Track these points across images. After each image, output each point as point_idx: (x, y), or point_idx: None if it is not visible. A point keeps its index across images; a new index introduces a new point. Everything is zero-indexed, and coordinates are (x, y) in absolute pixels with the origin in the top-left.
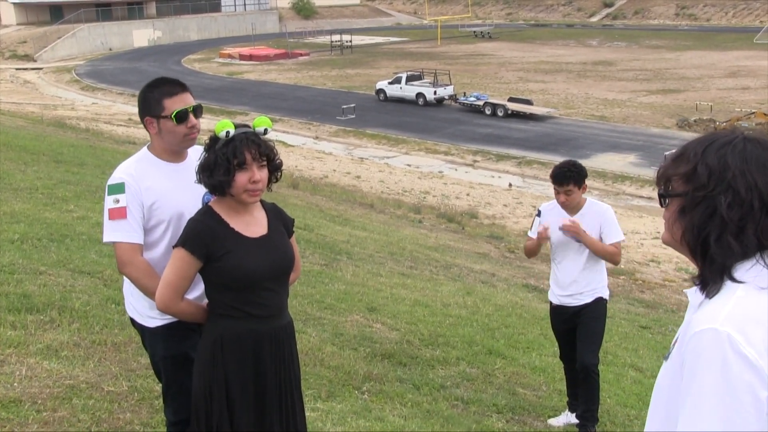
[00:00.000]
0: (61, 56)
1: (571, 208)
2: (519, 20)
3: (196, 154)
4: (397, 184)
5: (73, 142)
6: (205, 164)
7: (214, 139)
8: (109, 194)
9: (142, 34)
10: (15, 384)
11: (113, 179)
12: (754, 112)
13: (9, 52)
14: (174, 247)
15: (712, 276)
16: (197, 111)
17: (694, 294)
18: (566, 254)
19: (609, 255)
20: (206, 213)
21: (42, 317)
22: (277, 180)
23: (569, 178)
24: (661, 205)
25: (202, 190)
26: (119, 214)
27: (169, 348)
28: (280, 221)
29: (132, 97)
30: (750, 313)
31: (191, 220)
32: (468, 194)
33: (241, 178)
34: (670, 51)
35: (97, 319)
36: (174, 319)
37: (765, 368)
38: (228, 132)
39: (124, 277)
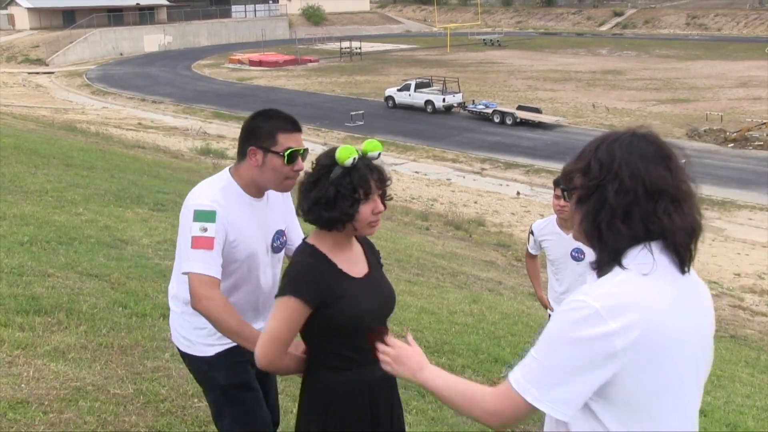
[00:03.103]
0: (72, 60)
1: (566, 219)
2: (528, 28)
3: (273, 193)
4: (404, 191)
5: (83, 145)
6: (323, 197)
7: (325, 167)
8: (195, 220)
9: (152, 39)
10: (22, 385)
11: (202, 205)
12: (765, 123)
13: (22, 57)
14: (278, 296)
15: (605, 260)
16: (305, 155)
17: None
18: (565, 267)
19: None
20: (312, 254)
21: (50, 319)
22: (384, 209)
23: None
24: (565, 200)
25: (272, 229)
26: (206, 244)
27: (232, 377)
28: (374, 255)
29: (142, 101)
30: (624, 296)
31: (298, 264)
32: (476, 202)
33: (365, 210)
34: (680, 60)
35: (104, 322)
36: (233, 344)
37: (617, 344)
38: (355, 159)
39: (171, 310)
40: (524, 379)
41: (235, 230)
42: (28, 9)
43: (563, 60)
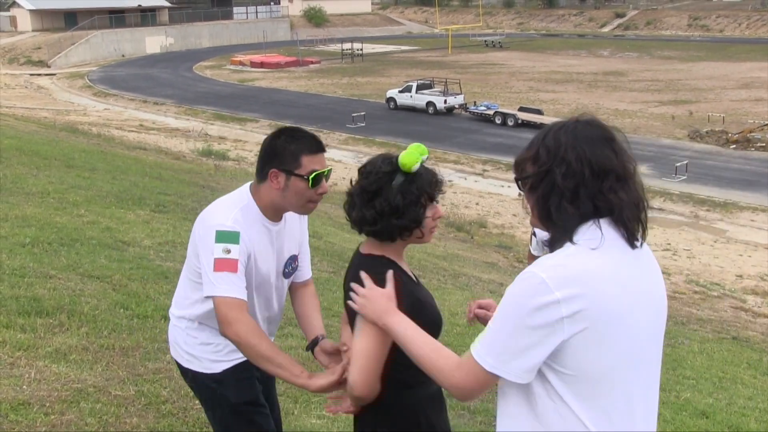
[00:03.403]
0: (74, 62)
1: None
2: (530, 30)
3: (290, 216)
4: None
5: (85, 147)
6: (390, 206)
7: (386, 174)
8: (218, 241)
9: (154, 40)
10: (24, 387)
11: (224, 226)
12: (767, 124)
13: (24, 58)
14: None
15: (558, 238)
16: (329, 176)
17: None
18: None
19: None
20: (387, 263)
21: (51, 321)
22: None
23: None
24: (519, 189)
25: (285, 254)
26: (229, 266)
27: (241, 394)
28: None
29: (143, 103)
30: (570, 268)
31: (380, 275)
32: (477, 203)
33: (429, 215)
34: (682, 62)
35: (106, 324)
36: (240, 360)
37: (563, 313)
38: (420, 165)
39: (172, 324)
40: (483, 351)
41: (253, 254)
42: (30, 11)
43: (565, 61)
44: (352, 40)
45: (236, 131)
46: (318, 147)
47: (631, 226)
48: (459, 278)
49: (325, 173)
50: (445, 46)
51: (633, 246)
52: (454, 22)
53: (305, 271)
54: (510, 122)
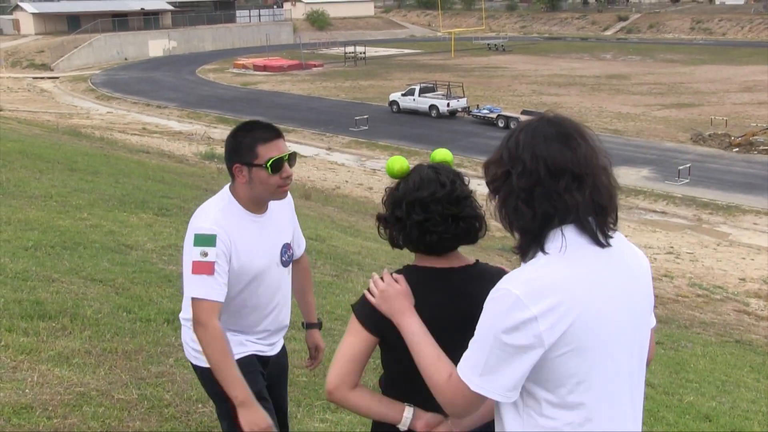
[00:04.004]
0: (77, 65)
1: None
2: (533, 33)
3: (273, 202)
4: None
5: (88, 150)
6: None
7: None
8: (195, 245)
9: (157, 44)
10: (26, 390)
11: (202, 229)
12: None
13: (27, 62)
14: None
15: (526, 245)
16: (292, 159)
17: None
18: None
19: None
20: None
21: (54, 324)
22: None
23: None
24: (491, 192)
25: (279, 243)
26: (206, 269)
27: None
28: None
29: (146, 106)
30: (542, 280)
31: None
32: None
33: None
34: (684, 65)
35: (109, 327)
36: (245, 354)
37: (541, 328)
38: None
39: (182, 326)
40: (467, 370)
41: (240, 251)
42: (33, 14)
43: (567, 65)
44: (355, 43)
45: None
46: (272, 135)
47: (591, 227)
48: None
49: (285, 158)
50: (448, 49)
51: (602, 246)
52: (457, 26)
53: (301, 246)
54: (513, 125)
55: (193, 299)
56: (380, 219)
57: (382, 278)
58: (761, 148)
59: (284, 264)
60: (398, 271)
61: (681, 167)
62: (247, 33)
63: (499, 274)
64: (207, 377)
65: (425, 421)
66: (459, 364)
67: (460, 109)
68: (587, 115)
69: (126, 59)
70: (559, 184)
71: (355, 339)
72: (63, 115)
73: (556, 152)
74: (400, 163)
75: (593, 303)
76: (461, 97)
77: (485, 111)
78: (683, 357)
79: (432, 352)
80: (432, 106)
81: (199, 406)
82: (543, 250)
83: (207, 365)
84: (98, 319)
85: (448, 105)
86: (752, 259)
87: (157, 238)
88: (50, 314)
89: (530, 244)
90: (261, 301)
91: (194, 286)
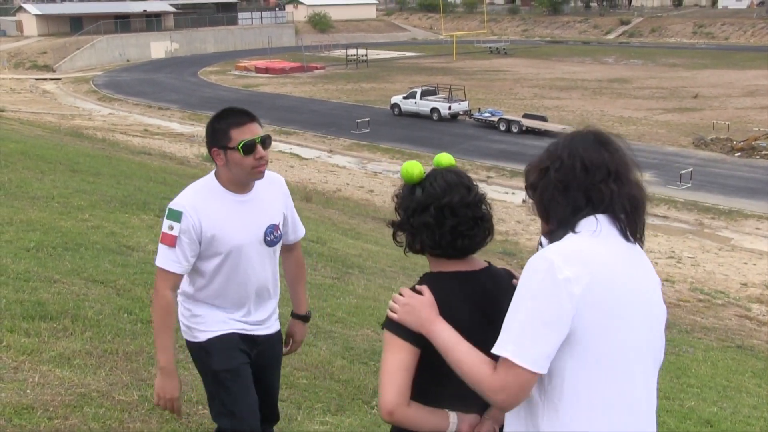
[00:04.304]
0: (79, 67)
1: None
2: (535, 37)
3: (262, 185)
4: None
5: (90, 151)
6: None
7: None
8: (166, 218)
9: (159, 45)
10: (27, 391)
11: (174, 204)
12: None
13: (29, 63)
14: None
15: (557, 230)
16: (265, 142)
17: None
18: None
19: None
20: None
21: (55, 325)
22: None
23: None
24: (530, 197)
25: (265, 223)
26: (169, 241)
27: (222, 362)
28: None
29: (148, 108)
30: (575, 250)
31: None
32: None
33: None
34: (686, 69)
35: (110, 328)
36: (225, 332)
37: (575, 291)
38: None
39: (178, 300)
40: (504, 341)
41: (214, 226)
42: (36, 16)
43: (569, 68)
44: (356, 46)
45: None
46: (244, 119)
47: (625, 219)
48: None
49: (257, 140)
50: (450, 52)
51: (627, 239)
52: (459, 29)
53: (299, 232)
54: (514, 129)
55: (157, 267)
56: (395, 225)
57: (400, 294)
58: (763, 152)
59: (268, 243)
60: (420, 282)
61: (683, 171)
62: (249, 35)
63: (509, 275)
64: (192, 350)
65: (468, 422)
66: (497, 347)
67: (461, 113)
68: (589, 118)
69: (128, 61)
70: (595, 176)
71: (400, 354)
72: (65, 116)
73: (593, 152)
74: (419, 168)
75: (620, 283)
76: (463, 101)
77: (487, 114)
78: (684, 362)
79: (470, 352)
80: (433, 109)
81: (200, 407)
82: (574, 231)
83: (191, 339)
84: (99, 320)
85: (449, 108)
86: (754, 264)
87: (158, 240)
88: (51, 315)
89: (562, 227)
90: (244, 278)
91: (158, 255)
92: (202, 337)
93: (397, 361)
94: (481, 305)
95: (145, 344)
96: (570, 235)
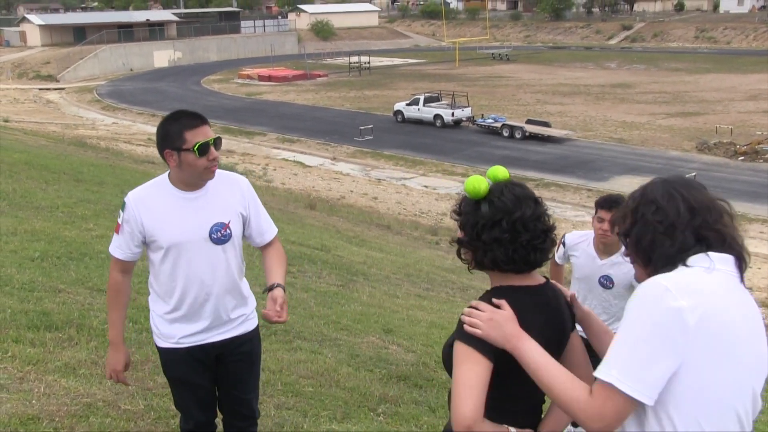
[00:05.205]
0: (83, 76)
1: (607, 245)
2: (537, 42)
3: (217, 184)
4: (414, 206)
5: (93, 161)
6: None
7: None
8: (121, 209)
9: (162, 54)
10: (33, 401)
11: (126, 196)
12: None
13: (33, 73)
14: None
15: (663, 267)
16: (217, 143)
17: None
18: (591, 289)
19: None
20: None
21: (60, 335)
22: None
23: (618, 203)
24: (625, 246)
25: (210, 221)
26: (117, 228)
27: (170, 370)
28: None
29: (152, 116)
30: (689, 281)
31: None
32: None
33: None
34: (689, 74)
35: None
36: (174, 346)
37: (690, 321)
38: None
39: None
40: (608, 365)
41: (154, 220)
42: (40, 26)
43: (572, 74)
44: (359, 53)
45: (244, 144)
46: (197, 122)
47: (741, 255)
48: (468, 291)
49: (211, 141)
50: (453, 59)
51: (741, 278)
52: (461, 35)
53: (266, 235)
54: (517, 135)
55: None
56: (461, 242)
57: (475, 308)
58: (767, 156)
59: (215, 242)
60: (489, 295)
61: (686, 176)
62: (251, 43)
63: (561, 291)
64: (161, 358)
65: None
66: (600, 371)
67: (464, 119)
68: (592, 124)
69: (131, 70)
70: (705, 216)
71: (477, 367)
72: (69, 125)
73: (696, 193)
74: (485, 183)
75: (733, 319)
76: (466, 107)
77: (490, 120)
78: None
79: (562, 371)
80: (437, 116)
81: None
82: (685, 264)
83: (156, 343)
84: (104, 330)
85: (452, 114)
86: (759, 268)
87: None
88: (57, 325)
89: (668, 266)
90: (190, 274)
91: (112, 241)
92: (159, 343)
93: (475, 375)
94: (555, 320)
95: (150, 353)
96: (682, 268)
